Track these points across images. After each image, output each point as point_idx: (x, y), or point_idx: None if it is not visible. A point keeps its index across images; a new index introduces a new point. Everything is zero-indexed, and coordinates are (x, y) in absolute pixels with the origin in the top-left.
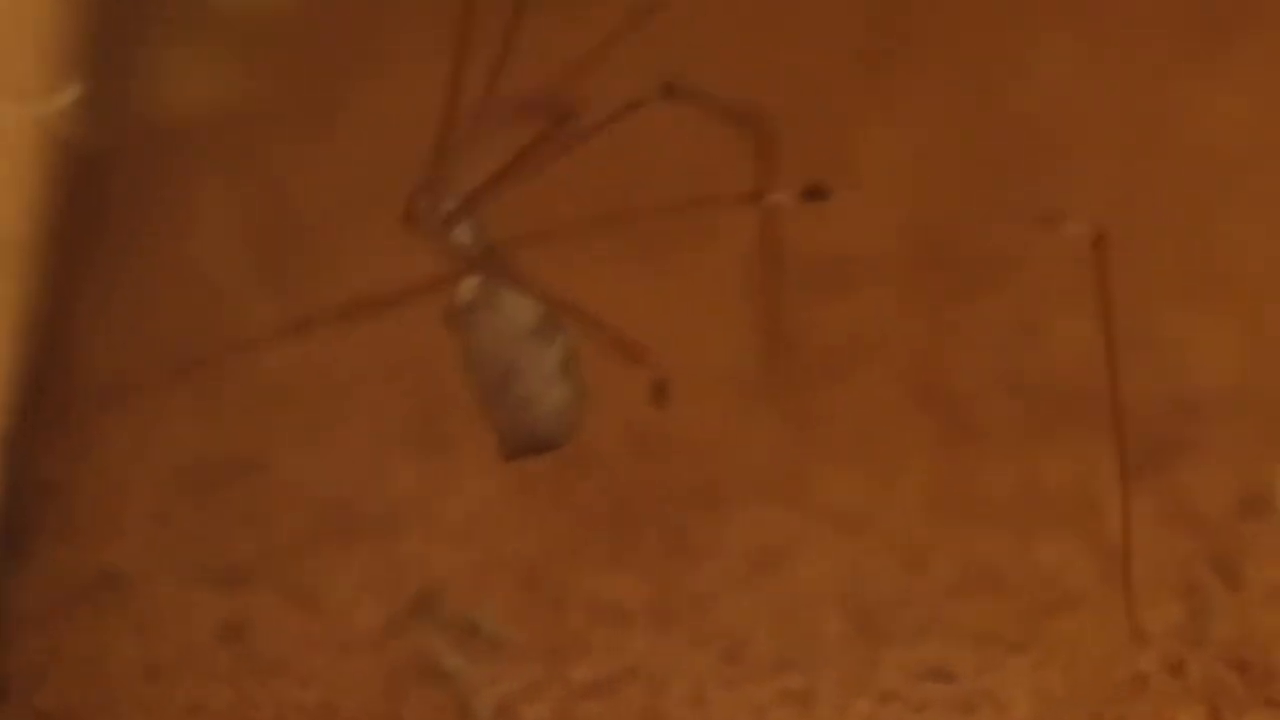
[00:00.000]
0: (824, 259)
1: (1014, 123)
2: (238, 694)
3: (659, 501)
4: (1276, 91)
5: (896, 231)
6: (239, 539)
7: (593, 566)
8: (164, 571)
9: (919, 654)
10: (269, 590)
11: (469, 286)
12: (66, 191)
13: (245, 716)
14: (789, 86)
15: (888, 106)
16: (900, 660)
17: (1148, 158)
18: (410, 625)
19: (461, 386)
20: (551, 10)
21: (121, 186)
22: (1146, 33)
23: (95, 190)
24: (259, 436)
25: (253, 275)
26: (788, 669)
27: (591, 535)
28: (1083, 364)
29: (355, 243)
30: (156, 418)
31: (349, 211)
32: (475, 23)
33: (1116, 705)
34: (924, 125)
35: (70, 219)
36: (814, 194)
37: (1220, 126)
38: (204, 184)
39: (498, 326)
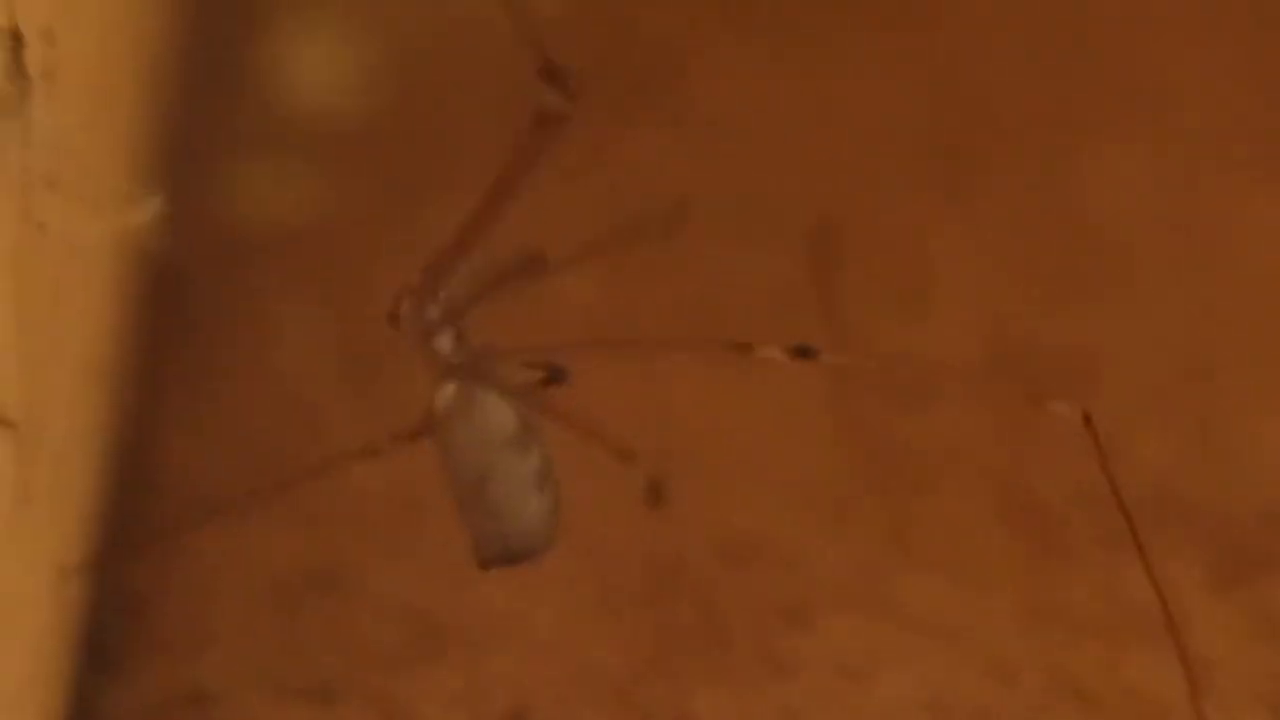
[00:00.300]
0: (912, 372)
1: (1085, 229)
2: None
3: (748, 614)
4: None
5: (978, 339)
6: (327, 653)
7: (682, 681)
8: (252, 686)
9: None
10: (358, 705)
11: (445, 393)
12: (149, 306)
13: None
14: (857, 190)
15: (958, 209)
16: None
17: (1223, 266)
18: None
19: None
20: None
21: (204, 300)
22: (1217, 144)
23: (178, 304)
24: (347, 550)
25: (339, 387)
26: None
27: (680, 649)
28: (1166, 475)
29: None
30: (244, 531)
31: None
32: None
33: None
34: (996, 229)
35: (154, 333)
36: (804, 353)
37: None
38: (287, 296)
39: (473, 434)
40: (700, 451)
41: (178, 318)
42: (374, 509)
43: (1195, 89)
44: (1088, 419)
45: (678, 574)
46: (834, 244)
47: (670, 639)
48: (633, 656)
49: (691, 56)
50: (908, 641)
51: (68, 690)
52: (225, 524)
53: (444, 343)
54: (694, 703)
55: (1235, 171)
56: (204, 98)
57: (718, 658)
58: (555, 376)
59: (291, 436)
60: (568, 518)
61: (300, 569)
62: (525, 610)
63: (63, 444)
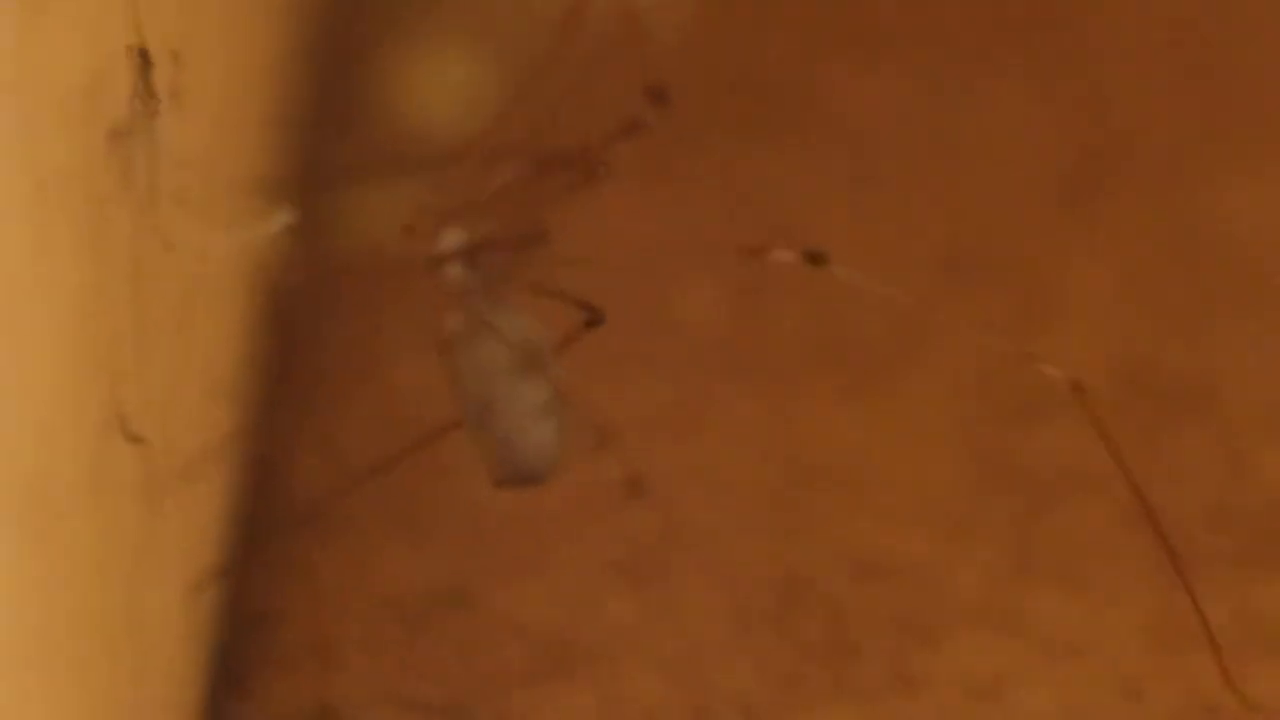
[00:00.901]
0: (1033, 389)
1: (1213, 253)
2: None
3: (876, 631)
4: None
5: (1104, 362)
6: (455, 671)
7: (812, 699)
8: (380, 704)
9: None
10: None
11: (452, 321)
12: (273, 323)
13: None
14: (988, 215)
15: (1090, 234)
16: None
17: None
18: None
19: (678, 516)
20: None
21: (325, 317)
22: None
23: (300, 321)
24: (473, 567)
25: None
26: None
27: (810, 666)
28: None
29: None
30: (368, 548)
31: None
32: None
33: None
34: (1125, 253)
35: (277, 350)
36: (815, 259)
37: None
38: (407, 315)
39: (479, 362)
40: (828, 469)
41: (300, 334)
42: (500, 526)
43: None
44: (1078, 386)
45: (806, 592)
46: (964, 267)
47: (799, 656)
48: (762, 673)
49: (822, 81)
50: (1035, 659)
51: (201, 712)
52: (350, 540)
53: (455, 270)
54: None
55: None
56: (327, 117)
57: (847, 675)
58: (592, 319)
59: (413, 459)
60: (696, 535)
61: (426, 587)
62: (655, 627)
63: (191, 459)
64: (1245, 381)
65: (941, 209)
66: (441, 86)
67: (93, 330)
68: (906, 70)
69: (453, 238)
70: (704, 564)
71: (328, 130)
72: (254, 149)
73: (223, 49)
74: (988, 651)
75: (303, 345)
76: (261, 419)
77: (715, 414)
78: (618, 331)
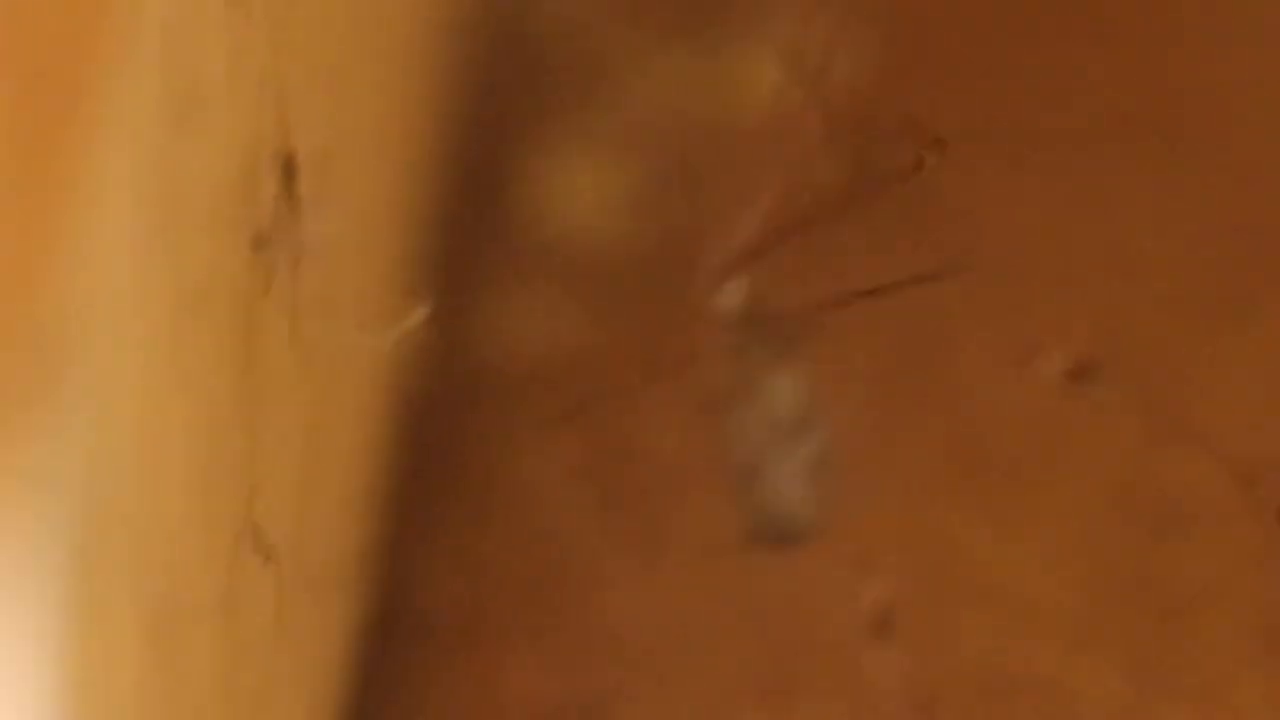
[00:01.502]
0: (1165, 500)
1: None
2: None
3: None
4: None
5: (1242, 474)
6: None
7: None
8: None
9: None
10: None
11: (723, 376)
12: (406, 432)
13: None
14: (1120, 324)
15: (1222, 345)
16: None
17: None
18: None
19: (813, 632)
20: None
21: (459, 428)
22: None
23: (434, 431)
24: (604, 683)
25: (593, 520)
26: None
27: None
28: None
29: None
30: (499, 665)
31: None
32: None
33: None
34: (1260, 365)
35: (410, 461)
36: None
37: None
38: (543, 429)
39: (748, 422)
40: (952, 582)
41: (433, 446)
42: (632, 641)
43: None
44: (1077, 374)
45: (932, 703)
46: (1093, 378)
47: None
48: None
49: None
50: None
51: None
52: (480, 657)
53: (731, 295)
54: None
55: None
56: (471, 218)
57: None
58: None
59: (551, 569)
60: (817, 656)
61: (556, 703)
62: None
63: (323, 576)
64: None
65: (1076, 318)
66: (588, 191)
67: (229, 441)
68: (1041, 167)
69: (737, 290)
70: (827, 680)
71: (471, 233)
72: (397, 252)
73: (368, 152)
74: None
75: (437, 456)
76: (393, 531)
77: (857, 522)
78: None
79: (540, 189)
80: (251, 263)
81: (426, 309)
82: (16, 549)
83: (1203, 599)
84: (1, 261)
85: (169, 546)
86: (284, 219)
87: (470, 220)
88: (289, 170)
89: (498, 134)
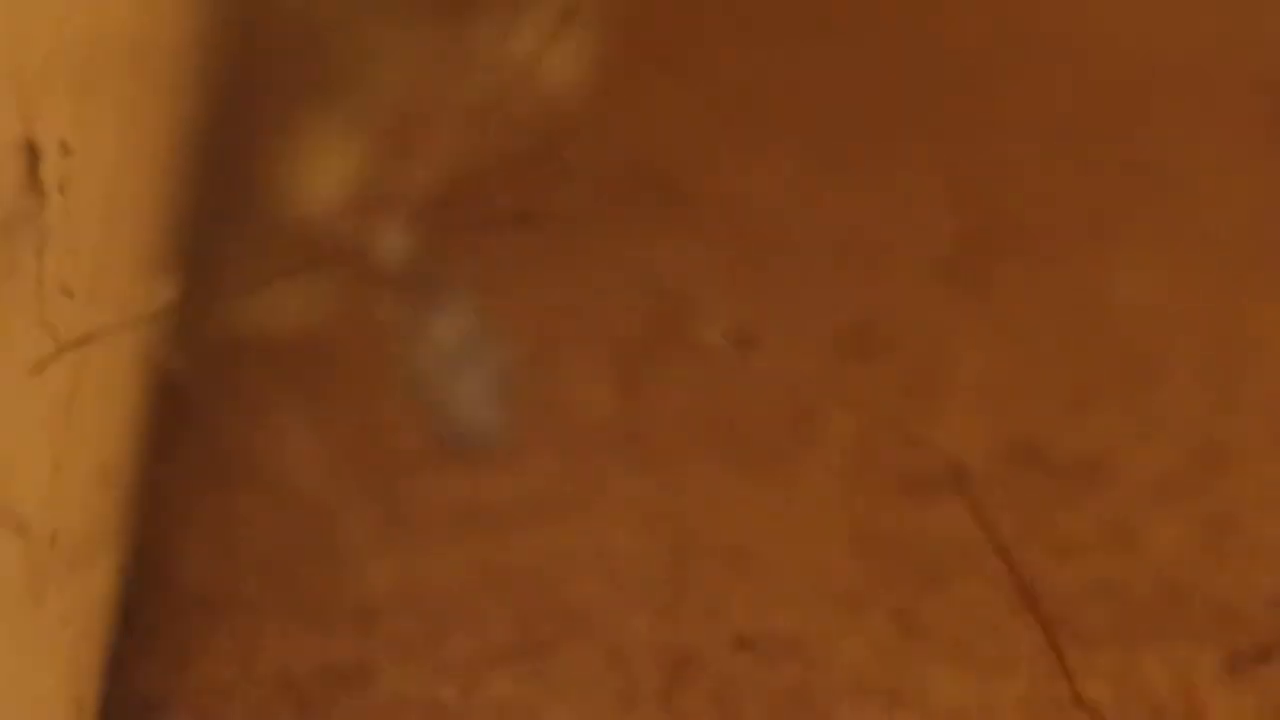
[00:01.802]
0: (919, 466)
1: (1101, 328)
2: None
3: (765, 707)
4: None
5: (990, 440)
6: None
7: None
8: None
9: None
10: None
11: (391, 305)
12: (159, 411)
13: None
14: (879, 301)
15: (975, 320)
16: None
17: (1240, 366)
18: None
19: (569, 598)
20: None
21: (212, 405)
22: (1238, 244)
23: (187, 409)
24: (357, 652)
25: (349, 491)
26: None
27: None
28: (1177, 565)
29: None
30: (254, 636)
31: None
32: None
33: None
34: (1012, 337)
35: (164, 438)
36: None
37: None
38: (294, 402)
39: (426, 347)
40: (714, 548)
41: (187, 422)
42: (385, 605)
43: (1214, 191)
44: (960, 472)
45: (694, 668)
46: (852, 347)
47: None
48: None
49: (711, 163)
50: None
51: None
52: (235, 623)
53: (391, 241)
54: None
55: (1255, 271)
56: (214, 204)
57: None
58: None
59: (303, 540)
60: (584, 614)
61: (318, 671)
62: (541, 705)
63: (78, 549)
64: (1131, 458)
65: (831, 288)
66: (331, 171)
67: None
68: (795, 151)
69: (395, 235)
70: (590, 641)
71: (221, 214)
72: (143, 236)
73: (112, 137)
74: None
75: (191, 432)
76: (151, 507)
77: (604, 493)
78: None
79: (285, 170)
80: None
81: (178, 288)
82: None
83: (954, 561)
84: None
85: None
86: (27, 205)
87: (220, 201)
88: (32, 157)
89: (245, 119)
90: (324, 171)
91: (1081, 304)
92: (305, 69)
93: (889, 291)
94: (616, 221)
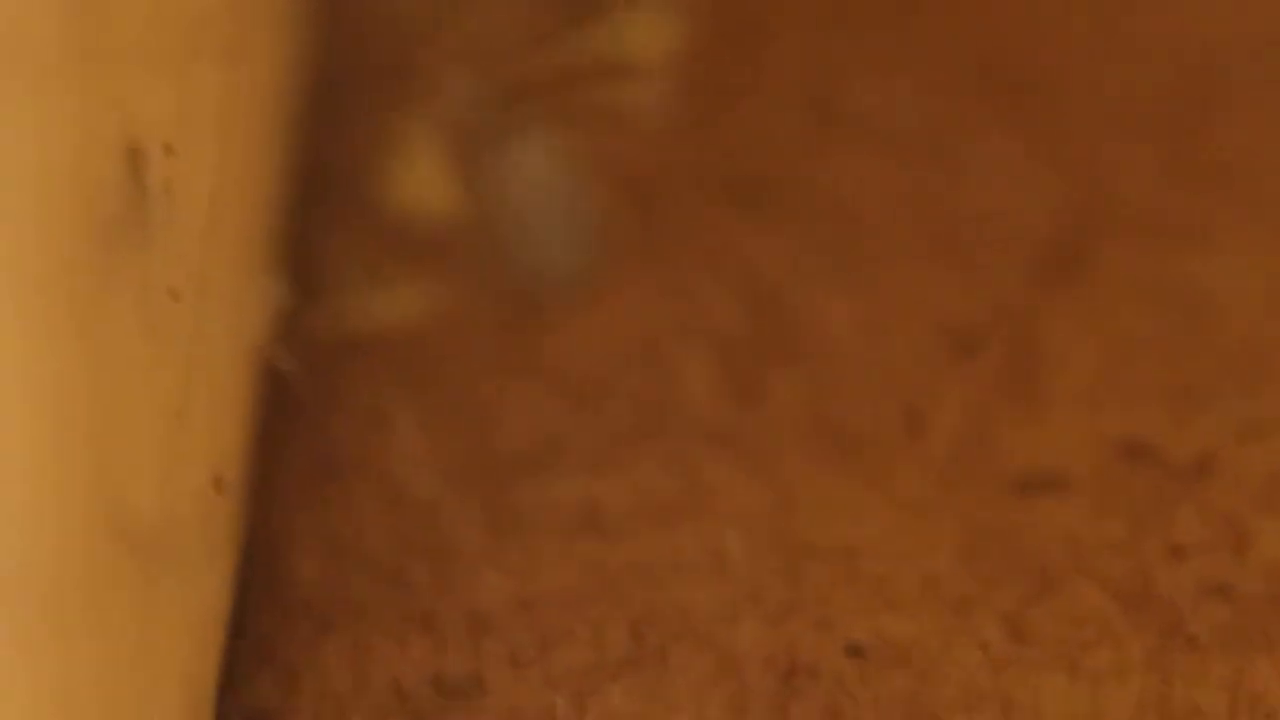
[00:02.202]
0: (1027, 467)
1: (1204, 326)
2: None
3: (878, 716)
4: None
5: (1098, 439)
6: None
7: None
8: None
9: None
10: None
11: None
12: (269, 413)
13: None
14: (981, 296)
15: (1077, 313)
16: None
17: None
18: None
19: (681, 604)
20: None
21: (319, 401)
22: None
23: (297, 410)
24: (469, 661)
25: (457, 492)
26: None
27: None
28: None
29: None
30: (365, 644)
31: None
32: None
33: None
34: (1114, 330)
35: (274, 441)
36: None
37: None
38: (402, 400)
39: (509, 182)
40: (824, 552)
41: (297, 425)
42: (497, 613)
43: None
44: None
45: (806, 677)
46: (955, 344)
47: None
48: None
49: (807, 161)
50: None
51: None
52: (350, 631)
53: (459, 81)
54: None
55: None
56: (319, 202)
57: None
58: None
59: (414, 544)
60: (695, 621)
61: (430, 680)
62: (654, 715)
63: (190, 559)
64: (1240, 456)
65: (932, 286)
66: (437, 171)
67: (84, 427)
68: (888, 144)
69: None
70: (704, 652)
71: (324, 212)
72: (248, 236)
73: (214, 137)
74: None
75: (301, 434)
76: (262, 511)
77: (713, 496)
78: (618, 415)
79: (385, 170)
80: (99, 249)
81: (285, 288)
82: None
83: (1066, 564)
84: None
85: (18, 526)
86: (132, 207)
87: (324, 199)
88: (135, 159)
89: (345, 118)
90: (419, 168)
91: (1187, 300)
92: (395, 61)
93: (990, 288)
94: (713, 221)
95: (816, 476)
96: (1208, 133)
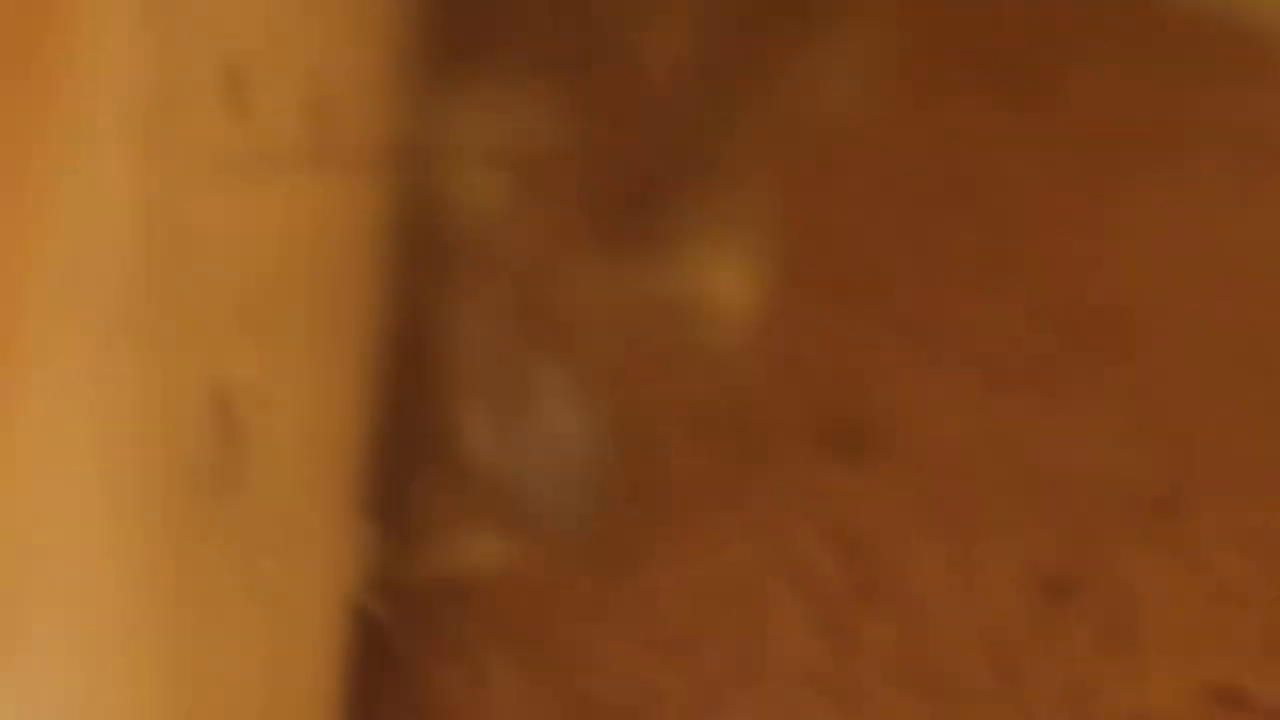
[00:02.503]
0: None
1: None
2: None
3: None
4: None
5: (1189, 685)
6: None
7: None
8: None
9: None
10: None
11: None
12: (360, 655)
13: None
14: (1074, 544)
15: (1172, 564)
16: None
17: None
18: None
19: None
20: None
21: (412, 650)
22: None
23: (388, 650)
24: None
25: None
26: None
27: None
28: None
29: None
30: None
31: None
32: None
33: None
34: (1210, 583)
35: (366, 681)
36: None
37: None
38: (495, 648)
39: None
40: None
41: (392, 670)
42: None
43: None
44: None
45: None
46: (1047, 591)
47: None
48: None
49: (900, 400)
50: None
51: None
52: None
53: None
54: None
55: None
56: (409, 449)
57: None
58: None
59: None
60: None
61: None
62: None
63: None
64: None
65: (1022, 529)
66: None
67: (175, 678)
68: (976, 381)
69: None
70: None
71: (412, 457)
72: (338, 480)
73: (303, 383)
74: None
75: (399, 681)
76: None
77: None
78: (712, 661)
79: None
80: (189, 493)
81: (376, 532)
82: None
83: None
84: None
85: None
86: (221, 450)
87: (412, 446)
88: (224, 403)
89: (433, 367)
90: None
91: (1274, 544)
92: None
93: (1084, 535)
94: (804, 463)
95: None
96: None
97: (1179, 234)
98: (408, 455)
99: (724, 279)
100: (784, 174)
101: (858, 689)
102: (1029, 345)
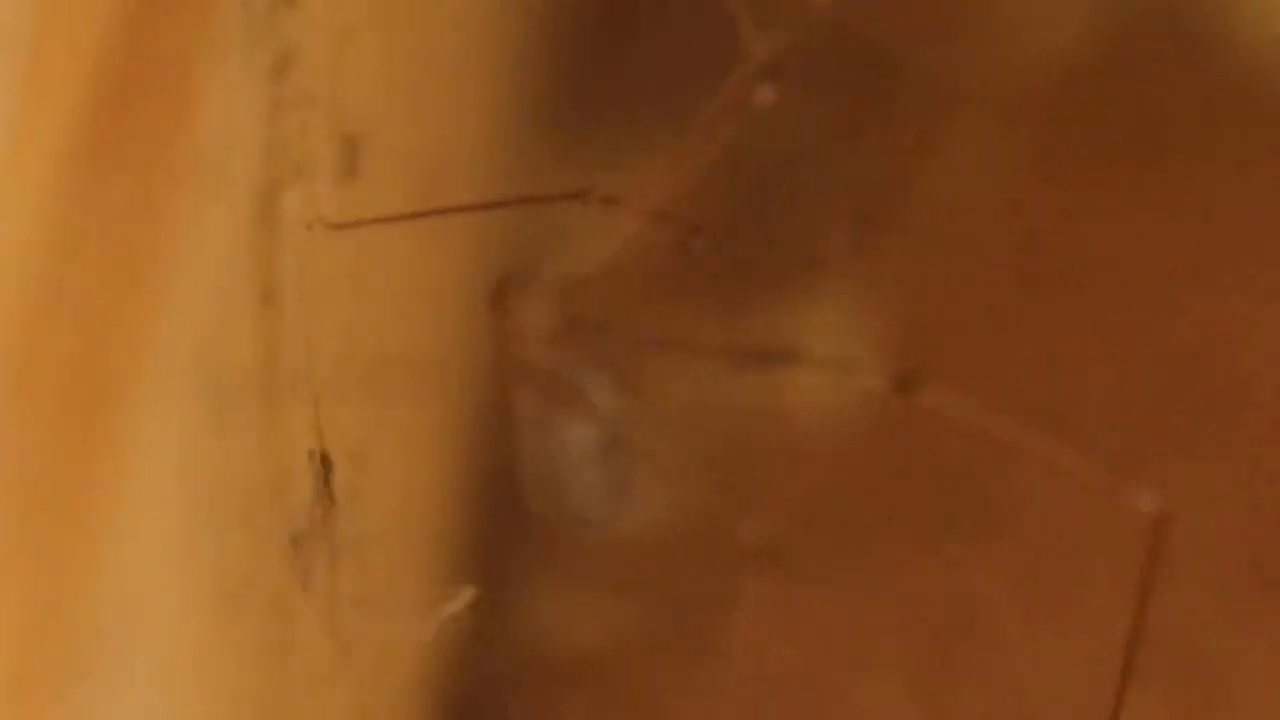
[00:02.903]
0: None
1: None
2: None
3: None
4: None
5: None
6: None
7: None
8: None
9: None
10: None
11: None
12: (454, 715)
13: None
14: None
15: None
16: None
17: None
18: None
19: None
20: None
21: (505, 716)
22: None
23: (481, 715)
24: None
25: None
26: None
27: None
28: None
29: None
30: None
31: None
32: None
33: None
34: None
35: None
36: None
37: None
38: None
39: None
40: None
41: None
42: None
43: None
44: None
45: None
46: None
47: None
48: None
49: (999, 479)
50: None
51: None
52: None
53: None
54: None
55: None
56: (503, 511)
57: None
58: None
59: None
60: None
61: None
62: None
63: None
64: None
65: (1113, 604)
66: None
67: None
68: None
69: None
70: None
71: (507, 522)
72: (433, 546)
73: (400, 448)
74: None
75: None
76: None
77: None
78: None
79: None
80: (289, 560)
81: (467, 598)
82: None
83: None
84: (44, 568)
85: None
86: (320, 515)
87: (505, 510)
88: (324, 467)
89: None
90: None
91: None
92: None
93: (1168, 612)
94: (898, 538)
95: None
96: None
97: None
98: (499, 520)
99: (826, 331)
100: (907, 257)
101: None
102: (1153, 427)
